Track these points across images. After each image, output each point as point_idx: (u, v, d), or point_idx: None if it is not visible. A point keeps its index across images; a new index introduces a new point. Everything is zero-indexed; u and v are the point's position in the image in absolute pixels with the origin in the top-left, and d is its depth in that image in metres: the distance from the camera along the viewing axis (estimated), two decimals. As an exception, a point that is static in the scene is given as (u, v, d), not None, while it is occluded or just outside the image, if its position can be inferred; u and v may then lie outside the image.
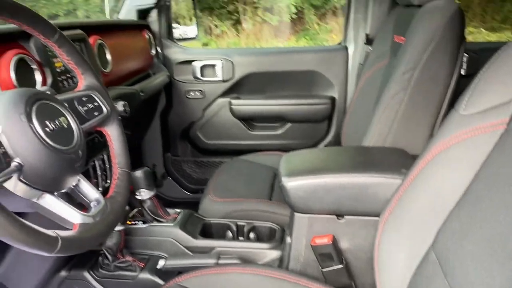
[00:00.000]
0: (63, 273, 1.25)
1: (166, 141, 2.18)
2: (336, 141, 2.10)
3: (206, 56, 2.06)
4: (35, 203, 0.72)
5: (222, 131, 2.12)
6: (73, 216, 0.74)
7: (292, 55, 2.08)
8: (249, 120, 2.13)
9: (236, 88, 2.08)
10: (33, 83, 1.04)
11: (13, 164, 0.67)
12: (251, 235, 1.38)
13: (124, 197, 0.89)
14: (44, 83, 1.07)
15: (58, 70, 1.12)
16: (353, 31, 2.00)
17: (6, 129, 0.67)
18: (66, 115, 0.79)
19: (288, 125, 2.12)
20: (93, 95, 0.92)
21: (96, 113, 0.91)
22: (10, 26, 0.81)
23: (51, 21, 0.87)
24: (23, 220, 0.63)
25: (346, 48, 2.02)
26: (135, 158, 2.12)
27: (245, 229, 1.39)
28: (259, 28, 8.83)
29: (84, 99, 0.90)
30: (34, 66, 1.05)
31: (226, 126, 2.11)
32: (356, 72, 2.00)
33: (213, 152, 2.19)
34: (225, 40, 8.67)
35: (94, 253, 1.29)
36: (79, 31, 1.27)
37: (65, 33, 1.20)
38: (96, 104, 0.92)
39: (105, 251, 1.23)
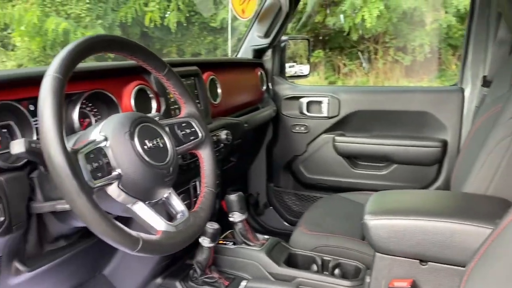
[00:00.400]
0: (158, 280, 1.39)
1: (270, 171, 2.28)
2: (446, 186, 1.97)
3: (313, 93, 2.14)
4: (129, 209, 0.85)
5: (324, 167, 2.15)
6: (158, 223, 0.85)
7: (402, 95, 2.05)
8: (352, 158, 2.13)
9: (341, 125, 2.11)
10: (149, 109, 1.23)
11: (114, 173, 0.81)
12: (336, 271, 1.38)
13: (207, 213, 0.99)
14: (158, 110, 1.26)
15: (171, 100, 1.30)
16: (470, 73, 1.89)
17: (112, 144, 0.82)
18: (164, 136, 0.93)
19: (394, 166, 2.05)
20: (191, 122, 1.06)
21: (192, 137, 1.04)
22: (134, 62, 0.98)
23: (167, 58, 1.04)
24: (114, 220, 0.76)
25: (462, 90, 1.92)
26: (241, 184, 2.26)
27: (330, 265, 1.39)
28: (389, 67, 8.69)
29: (183, 124, 1.03)
30: (151, 95, 1.23)
31: (328, 162, 2.14)
32: (471, 115, 1.88)
33: (314, 187, 2.22)
34: (353, 79, 8.69)
35: (186, 266, 1.42)
36: (194, 68, 1.46)
37: (182, 69, 1.40)
38: (193, 129, 1.05)
39: (195, 265, 1.34)
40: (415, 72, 8.48)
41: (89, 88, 1.07)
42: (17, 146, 0.75)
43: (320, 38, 8.92)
